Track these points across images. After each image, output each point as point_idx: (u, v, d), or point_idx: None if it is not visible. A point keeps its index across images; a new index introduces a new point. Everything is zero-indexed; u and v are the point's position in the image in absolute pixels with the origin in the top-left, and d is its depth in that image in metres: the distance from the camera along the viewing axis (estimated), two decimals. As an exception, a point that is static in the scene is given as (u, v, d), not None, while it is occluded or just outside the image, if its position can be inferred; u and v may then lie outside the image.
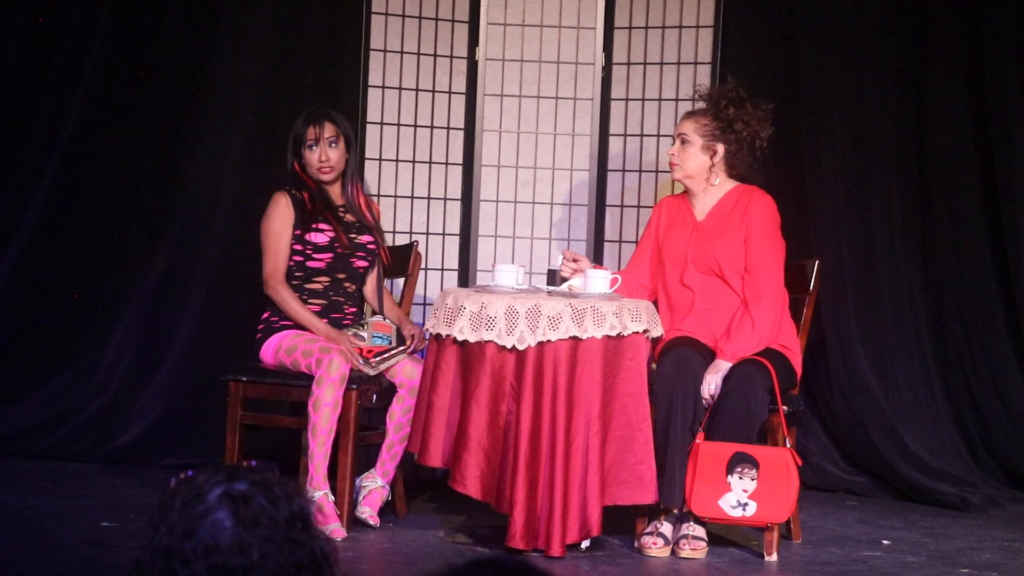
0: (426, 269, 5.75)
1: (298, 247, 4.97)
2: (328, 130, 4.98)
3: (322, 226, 4.96)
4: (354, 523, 4.78)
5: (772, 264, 4.85)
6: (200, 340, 5.72)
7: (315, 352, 4.75)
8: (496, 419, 4.54)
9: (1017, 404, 5.75)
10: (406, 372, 4.88)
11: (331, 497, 4.68)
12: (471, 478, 4.55)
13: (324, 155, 4.97)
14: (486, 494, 4.56)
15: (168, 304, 5.79)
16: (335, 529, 4.63)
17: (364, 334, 4.87)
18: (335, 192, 5.06)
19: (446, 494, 4.96)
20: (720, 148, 4.90)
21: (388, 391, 4.91)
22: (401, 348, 4.89)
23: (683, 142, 4.92)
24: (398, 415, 4.88)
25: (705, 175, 4.92)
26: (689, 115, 4.97)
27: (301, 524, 1.75)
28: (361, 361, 4.80)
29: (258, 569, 1.68)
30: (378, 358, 4.84)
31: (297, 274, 4.98)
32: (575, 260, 4.91)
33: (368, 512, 4.82)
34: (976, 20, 5.76)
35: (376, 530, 4.79)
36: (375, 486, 4.87)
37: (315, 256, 4.97)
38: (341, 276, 5.02)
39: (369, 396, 4.83)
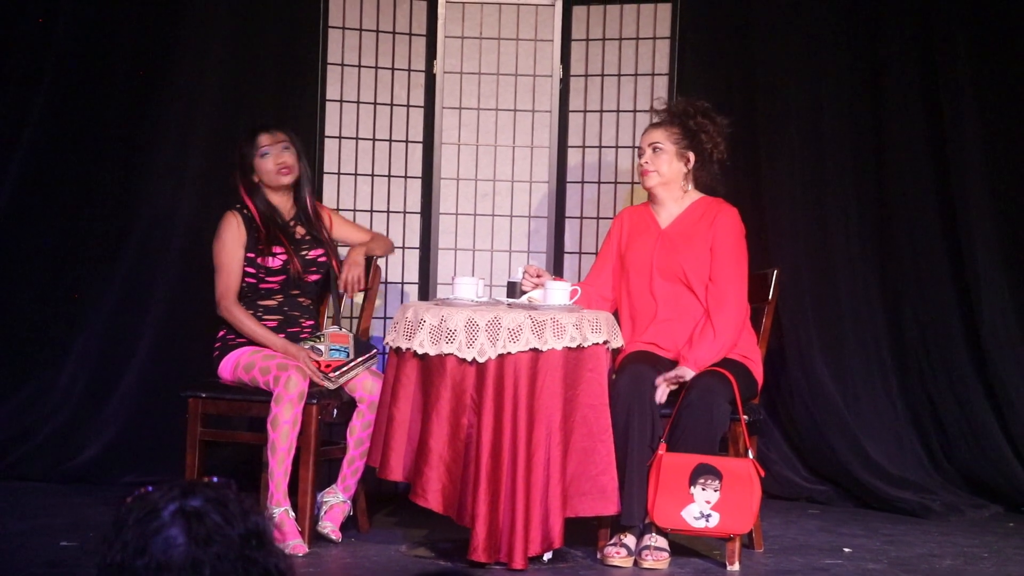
0: (386, 283, 5.74)
1: (251, 270, 4.94)
2: (279, 136, 5.00)
3: (276, 250, 4.94)
4: (316, 539, 4.76)
5: (737, 275, 4.87)
6: (159, 357, 5.69)
7: (272, 369, 4.73)
8: (457, 432, 4.53)
9: (976, 411, 5.78)
10: (366, 387, 4.87)
11: (292, 514, 4.66)
12: (432, 491, 4.54)
13: (280, 158, 4.97)
14: (448, 507, 4.55)
15: (126, 321, 5.75)
16: (296, 545, 4.61)
17: (321, 347, 4.85)
18: (286, 205, 5.03)
19: (408, 508, 4.94)
20: (692, 156, 4.92)
21: (348, 406, 4.89)
22: (360, 359, 4.87)
23: (655, 150, 4.92)
24: (358, 430, 4.86)
25: (680, 181, 4.94)
26: (656, 126, 4.97)
27: (256, 541, 1.73)
28: (320, 376, 4.78)
29: (210, 586, 1.67)
30: (337, 372, 4.83)
31: (249, 295, 4.97)
32: (538, 276, 4.91)
33: (330, 527, 4.80)
34: (929, 30, 5.80)
35: (338, 545, 4.77)
36: (336, 501, 4.85)
37: (268, 279, 4.96)
38: (295, 292, 5.01)
39: (330, 411, 4.81)
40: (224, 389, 4.88)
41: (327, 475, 5.19)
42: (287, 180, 4.98)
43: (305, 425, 4.72)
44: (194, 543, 1.69)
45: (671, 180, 4.93)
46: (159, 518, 1.71)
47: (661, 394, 4.67)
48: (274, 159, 4.97)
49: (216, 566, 1.68)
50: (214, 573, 1.68)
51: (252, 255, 4.94)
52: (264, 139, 4.97)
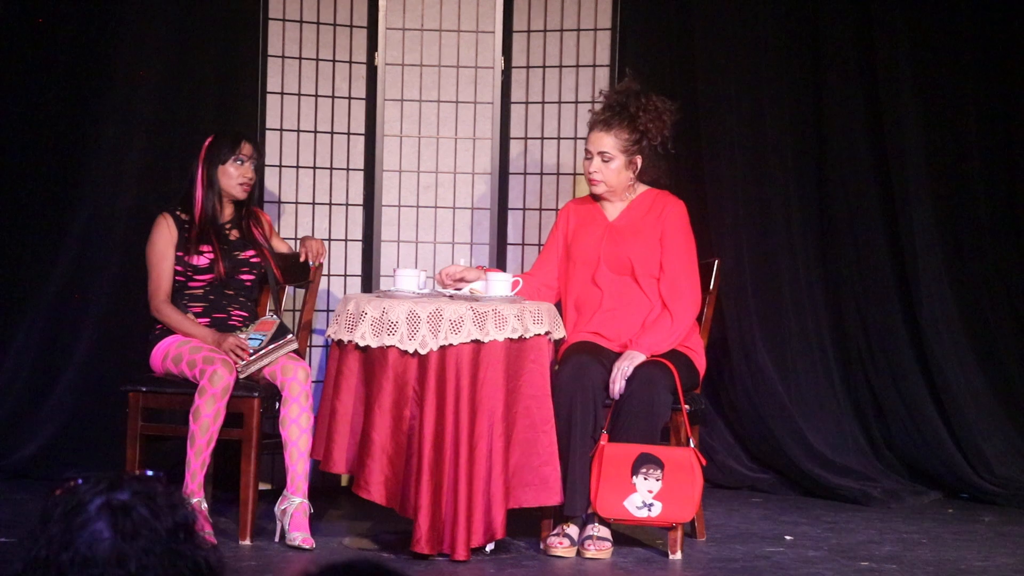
0: (329, 275, 5.72)
1: (179, 268, 4.94)
2: (253, 153, 5.02)
3: (203, 248, 4.94)
4: (291, 548, 4.63)
5: (690, 265, 4.88)
6: (99, 352, 5.65)
7: (199, 363, 4.70)
8: (399, 424, 4.53)
9: (915, 399, 5.84)
10: (286, 372, 4.76)
11: (204, 505, 4.63)
12: (375, 484, 4.54)
13: (248, 174, 5.00)
14: (391, 500, 4.55)
15: (66, 316, 5.71)
16: (206, 536, 4.57)
17: (243, 334, 4.81)
18: (227, 210, 5.02)
19: (351, 501, 4.93)
20: (639, 160, 4.91)
21: (274, 396, 4.82)
22: (272, 346, 4.79)
23: (604, 160, 4.89)
24: (289, 421, 4.74)
25: (626, 187, 4.94)
26: (606, 128, 4.88)
27: (184, 534, 1.72)
28: (241, 364, 4.74)
29: (137, 581, 1.66)
30: (243, 362, 4.76)
31: (177, 292, 4.95)
32: (460, 279, 4.86)
33: (300, 537, 4.63)
34: (869, 23, 5.85)
35: (281, 538, 4.70)
36: (293, 506, 4.68)
37: (196, 277, 4.93)
38: (228, 292, 4.97)
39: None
40: (164, 383, 4.85)
41: (271, 468, 5.18)
42: (242, 197, 5.00)
43: (247, 418, 4.70)
44: (120, 537, 1.68)
45: (619, 189, 4.93)
46: (85, 512, 1.69)
47: (620, 387, 4.67)
48: (244, 172, 4.98)
49: (143, 560, 1.67)
50: (140, 567, 1.67)
51: (181, 253, 4.93)
52: (246, 149, 5.00)
